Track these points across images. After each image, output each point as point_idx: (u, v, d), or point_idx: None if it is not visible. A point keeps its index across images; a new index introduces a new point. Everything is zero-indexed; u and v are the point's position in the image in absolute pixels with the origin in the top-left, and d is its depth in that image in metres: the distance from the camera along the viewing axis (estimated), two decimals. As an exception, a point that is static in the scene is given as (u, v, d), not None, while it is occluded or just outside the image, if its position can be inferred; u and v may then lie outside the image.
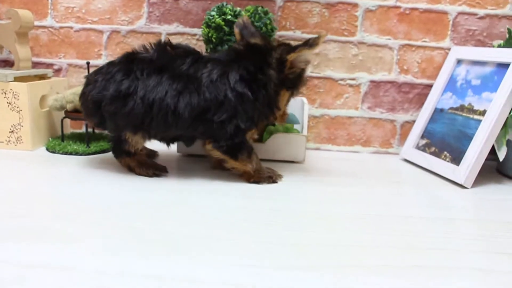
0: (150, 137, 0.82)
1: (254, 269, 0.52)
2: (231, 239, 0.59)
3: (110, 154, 0.88)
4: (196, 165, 0.93)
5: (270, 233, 0.61)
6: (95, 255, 0.53)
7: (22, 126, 0.96)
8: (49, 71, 1.07)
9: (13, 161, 0.89)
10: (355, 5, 1.06)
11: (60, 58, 1.12)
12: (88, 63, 1.02)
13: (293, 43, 0.81)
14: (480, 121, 0.89)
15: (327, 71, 1.09)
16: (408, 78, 1.09)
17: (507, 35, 1.00)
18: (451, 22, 1.06)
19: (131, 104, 0.77)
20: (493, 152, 0.89)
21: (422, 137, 1.03)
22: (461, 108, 0.96)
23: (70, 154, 0.96)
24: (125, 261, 0.52)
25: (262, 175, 0.83)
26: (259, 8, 0.93)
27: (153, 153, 0.96)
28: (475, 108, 0.92)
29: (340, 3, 1.06)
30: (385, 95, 1.10)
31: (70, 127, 1.14)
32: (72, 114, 0.98)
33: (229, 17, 0.92)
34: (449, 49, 1.07)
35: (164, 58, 0.79)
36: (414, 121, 1.09)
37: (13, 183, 0.77)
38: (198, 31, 1.08)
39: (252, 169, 0.81)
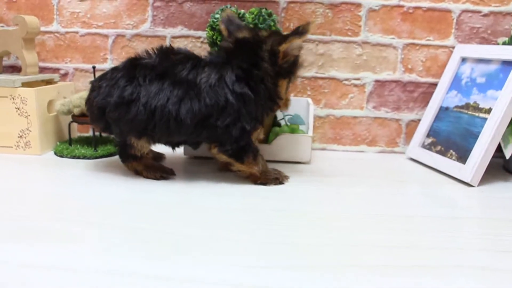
0: (155, 141, 0.83)
1: (255, 269, 0.52)
2: (232, 240, 0.60)
3: (117, 157, 0.89)
4: (203, 167, 0.93)
5: (273, 233, 0.62)
6: (96, 255, 0.54)
7: (30, 131, 0.97)
8: (55, 76, 1.09)
9: (22, 165, 0.90)
10: (359, 5, 1.06)
11: (66, 62, 1.13)
12: (94, 67, 1.03)
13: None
14: (485, 119, 0.89)
15: (332, 71, 1.10)
16: (413, 77, 1.09)
17: (512, 32, 1.00)
18: (455, 20, 1.06)
19: (134, 111, 0.77)
20: (499, 149, 0.89)
21: (428, 136, 1.03)
22: (467, 106, 0.96)
23: (78, 158, 0.97)
24: (126, 261, 0.53)
25: (269, 177, 0.83)
26: (263, 10, 0.93)
27: (160, 156, 0.97)
28: (481, 106, 0.92)
29: (343, 3, 1.07)
30: (390, 94, 1.10)
31: (77, 131, 1.15)
32: (79, 118, 0.99)
33: (233, 19, 0.92)
34: (453, 47, 1.07)
35: (165, 64, 0.79)
36: (419, 120, 1.09)
37: (22, 185, 0.78)
38: (203, 33, 1.09)
39: (258, 171, 0.82)
